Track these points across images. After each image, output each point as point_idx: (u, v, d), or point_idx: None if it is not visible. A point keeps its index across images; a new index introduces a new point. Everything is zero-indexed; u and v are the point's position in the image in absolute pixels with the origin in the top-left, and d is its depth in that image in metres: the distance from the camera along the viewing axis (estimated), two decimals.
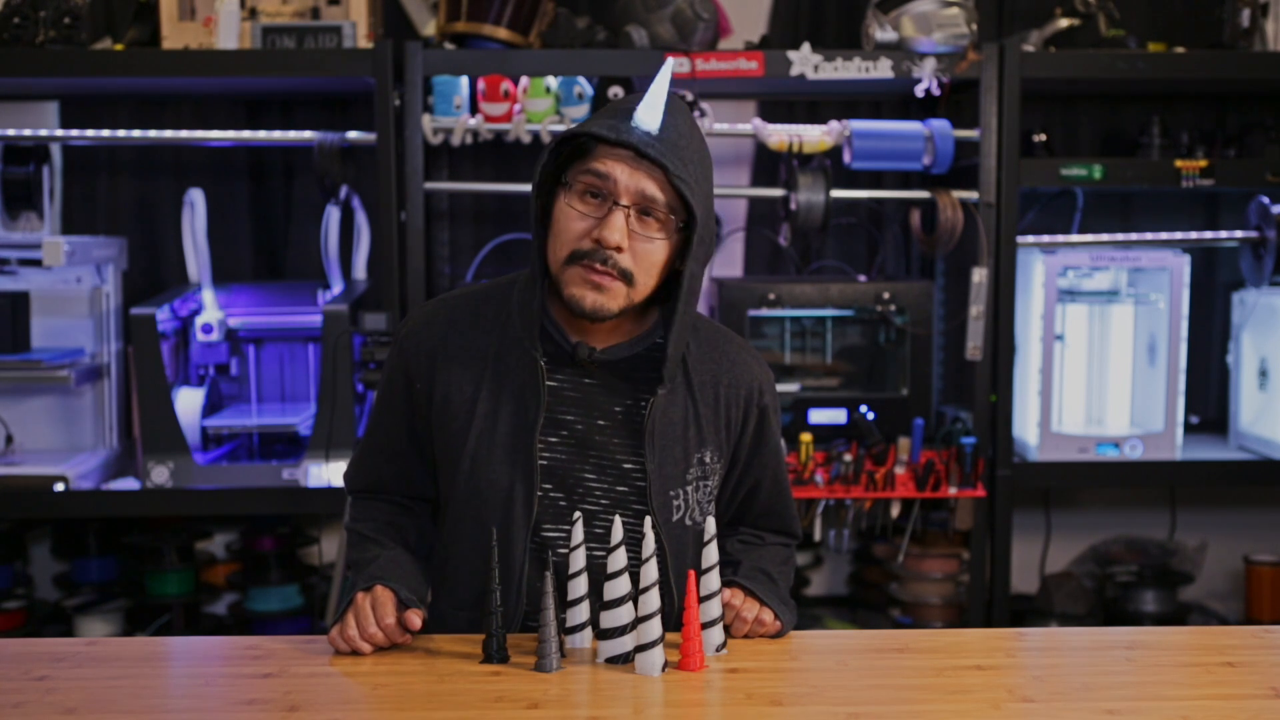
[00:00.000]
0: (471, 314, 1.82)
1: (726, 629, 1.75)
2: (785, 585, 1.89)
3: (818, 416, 3.40)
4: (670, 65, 1.73)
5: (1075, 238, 3.56)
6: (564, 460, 1.77)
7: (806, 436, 3.25)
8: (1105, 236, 3.59)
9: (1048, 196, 3.80)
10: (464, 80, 3.29)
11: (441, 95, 3.27)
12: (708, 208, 1.72)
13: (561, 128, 3.28)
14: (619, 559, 1.62)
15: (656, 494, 1.77)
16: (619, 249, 1.67)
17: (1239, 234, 3.55)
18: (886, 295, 3.42)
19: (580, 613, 1.68)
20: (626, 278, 1.69)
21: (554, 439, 1.77)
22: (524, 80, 3.28)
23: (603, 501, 1.78)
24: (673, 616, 1.74)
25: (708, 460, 1.82)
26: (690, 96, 3.29)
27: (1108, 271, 3.60)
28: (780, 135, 3.34)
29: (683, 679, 1.59)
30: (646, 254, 1.69)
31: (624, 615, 1.62)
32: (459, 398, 1.79)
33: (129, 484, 3.32)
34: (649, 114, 1.68)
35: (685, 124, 1.71)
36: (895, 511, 3.29)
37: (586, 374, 1.79)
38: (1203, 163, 3.41)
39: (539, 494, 1.76)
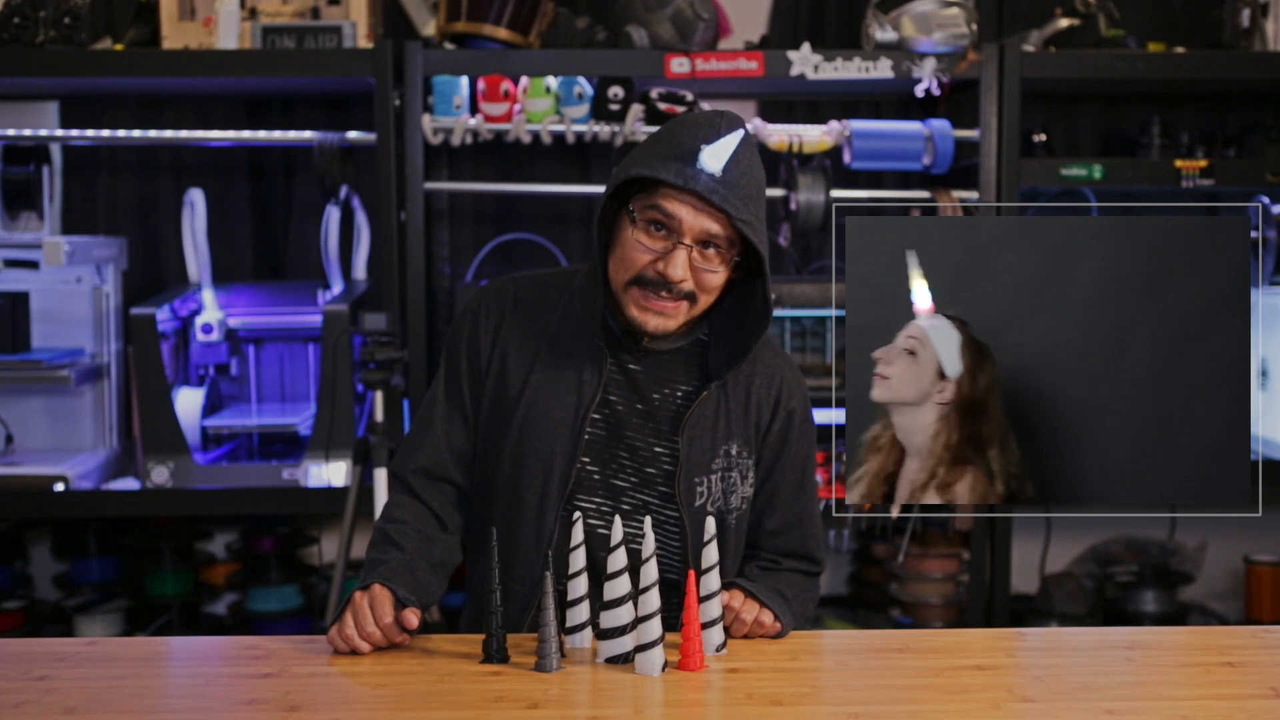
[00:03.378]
0: (537, 296, 1.93)
1: (727, 630, 1.75)
2: (800, 608, 1.90)
3: (818, 416, 3.37)
4: (745, 130, 1.78)
5: None
6: (603, 436, 1.87)
7: None
8: None
9: (1049, 197, 3.80)
10: (464, 80, 3.29)
11: (441, 95, 3.27)
12: (765, 236, 1.80)
13: (562, 128, 3.28)
14: (619, 559, 1.63)
15: (683, 478, 1.85)
16: (682, 281, 1.77)
17: None
18: None
19: (580, 613, 1.69)
20: (690, 298, 1.80)
21: (597, 416, 1.87)
22: (524, 80, 3.28)
23: (632, 479, 1.87)
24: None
25: (734, 453, 1.89)
26: (690, 96, 3.29)
27: None
28: (780, 135, 3.34)
29: (683, 679, 1.59)
30: (707, 281, 1.80)
31: (624, 615, 1.63)
32: (515, 368, 1.89)
33: (129, 484, 3.32)
34: (714, 160, 1.73)
35: (746, 156, 1.77)
36: (895, 511, 3.29)
37: (634, 361, 1.89)
38: (1203, 163, 3.41)
39: (578, 465, 1.85)
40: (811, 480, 2.00)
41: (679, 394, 1.88)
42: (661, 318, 1.80)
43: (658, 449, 1.87)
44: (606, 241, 1.84)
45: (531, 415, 1.86)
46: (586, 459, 1.86)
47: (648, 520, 1.64)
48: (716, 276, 1.79)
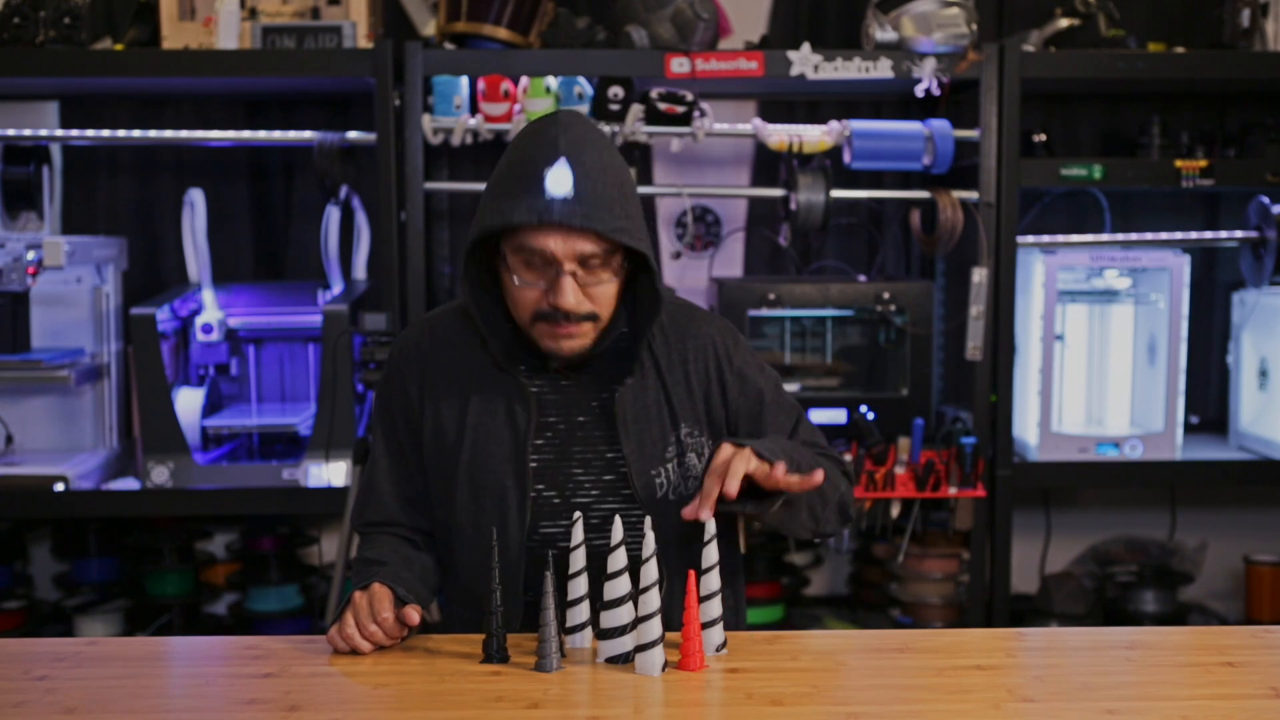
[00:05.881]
0: (455, 331, 1.90)
1: (727, 628, 1.75)
2: (802, 459, 1.78)
3: (818, 416, 3.40)
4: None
5: (1075, 238, 3.56)
6: (553, 460, 1.84)
7: None
8: (1105, 236, 3.59)
9: (1053, 196, 3.80)
10: (464, 80, 3.29)
11: (441, 95, 3.27)
12: (643, 229, 1.75)
13: None
14: (619, 559, 1.63)
15: (638, 475, 1.83)
16: (577, 306, 1.73)
17: (1239, 234, 3.55)
18: (886, 295, 3.42)
19: (580, 613, 1.69)
20: (592, 318, 1.77)
21: (540, 442, 1.84)
22: (524, 80, 3.28)
23: (593, 492, 1.84)
24: (661, 591, 1.75)
25: (684, 438, 1.87)
26: (690, 96, 3.29)
27: (1108, 271, 3.60)
28: (780, 135, 3.34)
29: (683, 679, 1.59)
30: (602, 294, 1.76)
31: (624, 615, 1.63)
32: (450, 413, 1.86)
33: (129, 484, 3.32)
34: (560, 184, 1.67)
35: (593, 160, 1.70)
36: (895, 511, 3.29)
37: (563, 376, 1.86)
38: (1203, 163, 3.41)
39: (533, 495, 1.82)
40: (800, 413, 1.95)
41: (618, 393, 1.86)
42: (572, 340, 1.77)
43: (610, 455, 1.84)
44: (489, 285, 1.80)
45: (476, 456, 1.83)
46: (541, 485, 1.83)
47: (648, 521, 1.63)
48: (609, 287, 1.76)
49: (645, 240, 1.74)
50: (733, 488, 1.64)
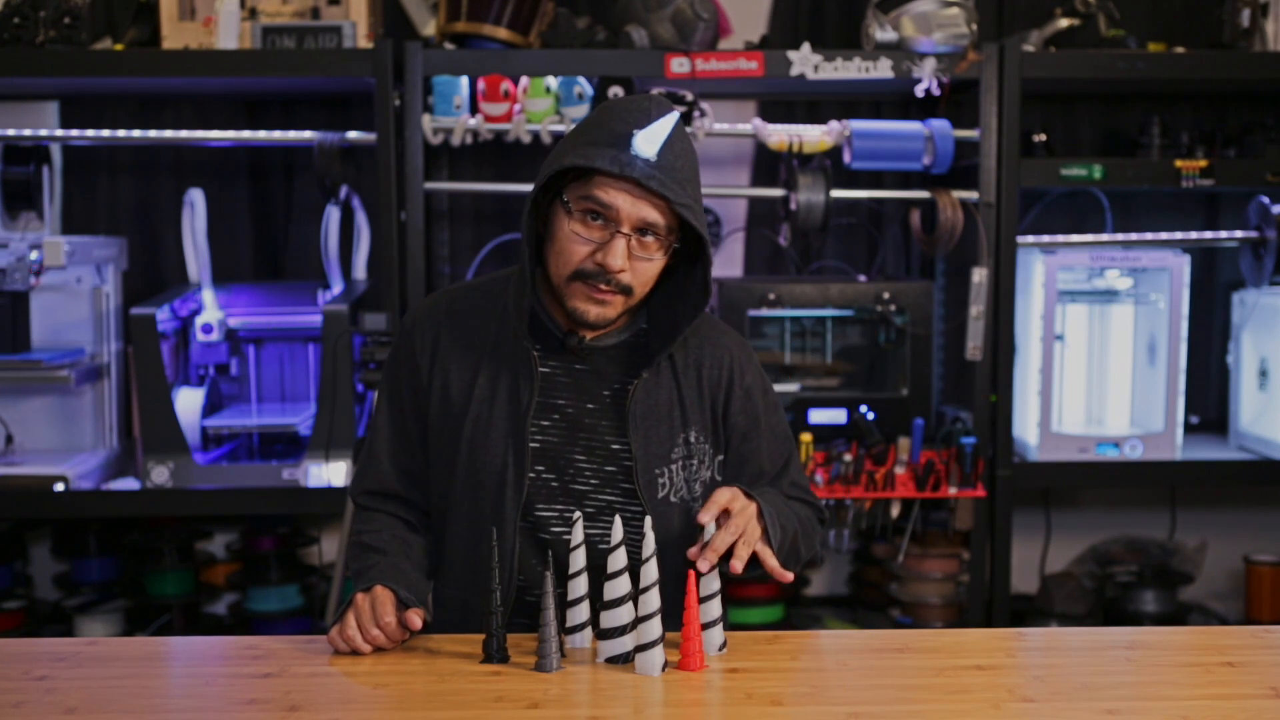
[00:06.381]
0: (472, 306, 1.91)
1: (725, 621, 1.75)
2: (790, 528, 1.82)
3: (818, 416, 3.40)
4: (677, 114, 1.76)
5: (1075, 238, 3.56)
6: (556, 443, 1.84)
7: (806, 436, 3.25)
8: (1105, 236, 3.59)
9: (1054, 196, 3.80)
10: (464, 80, 3.29)
11: (441, 95, 3.27)
12: (703, 219, 1.78)
13: (562, 128, 3.28)
14: (619, 559, 1.63)
15: (642, 472, 1.83)
16: (621, 271, 1.74)
17: (1239, 234, 3.55)
18: (886, 295, 3.42)
19: (580, 613, 1.69)
20: (626, 291, 1.78)
21: (546, 423, 1.84)
22: (524, 80, 3.28)
23: (592, 481, 1.84)
24: (664, 593, 1.76)
25: (692, 440, 1.88)
26: (690, 96, 3.29)
27: (1108, 271, 3.60)
28: (780, 135, 3.34)
29: (683, 679, 1.60)
30: (644, 270, 1.78)
31: (624, 615, 1.63)
32: (458, 383, 1.86)
33: (129, 484, 3.32)
34: (648, 144, 1.71)
35: (679, 140, 1.75)
36: (895, 511, 3.29)
37: (578, 360, 1.87)
38: (1203, 163, 3.41)
39: (531, 475, 1.82)
40: (793, 450, 1.98)
41: (630, 388, 1.86)
42: (601, 308, 1.78)
43: (615, 446, 1.84)
44: (540, 234, 1.82)
45: (478, 430, 1.84)
46: (541, 467, 1.83)
47: (647, 520, 1.63)
48: (653, 265, 1.78)
49: (704, 226, 1.77)
50: (704, 568, 1.67)
